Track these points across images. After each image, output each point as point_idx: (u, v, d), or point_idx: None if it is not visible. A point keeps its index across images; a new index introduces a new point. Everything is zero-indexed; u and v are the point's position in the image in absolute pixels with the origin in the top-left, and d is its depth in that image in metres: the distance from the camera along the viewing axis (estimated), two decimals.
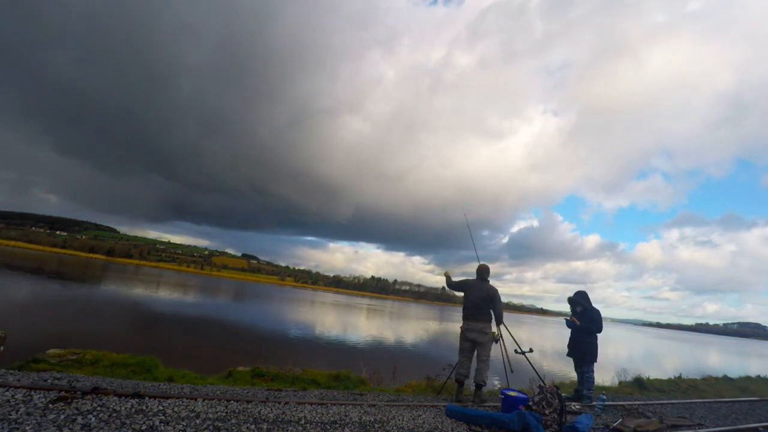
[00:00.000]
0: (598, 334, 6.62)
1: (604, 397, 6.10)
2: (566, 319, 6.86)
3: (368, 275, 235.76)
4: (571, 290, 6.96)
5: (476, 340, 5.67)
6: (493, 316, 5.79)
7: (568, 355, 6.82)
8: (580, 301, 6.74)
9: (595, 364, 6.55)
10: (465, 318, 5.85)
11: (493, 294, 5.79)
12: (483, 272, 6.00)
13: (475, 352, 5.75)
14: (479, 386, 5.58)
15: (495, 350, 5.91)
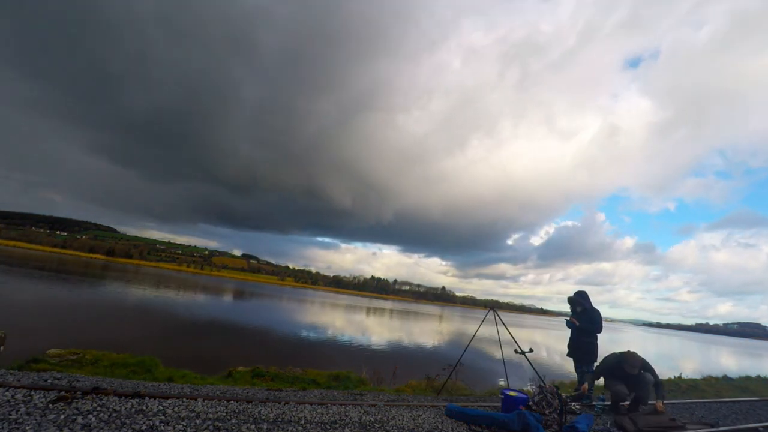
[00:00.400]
0: (598, 335, 6.61)
1: (603, 396, 6.10)
2: (566, 320, 6.86)
3: (376, 275, 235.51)
4: (588, 292, 6.93)
5: None
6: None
7: (568, 355, 6.82)
8: (580, 302, 6.73)
9: (595, 364, 6.55)
10: None
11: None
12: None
13: None
14: None
15: (496, 350, 5.88)
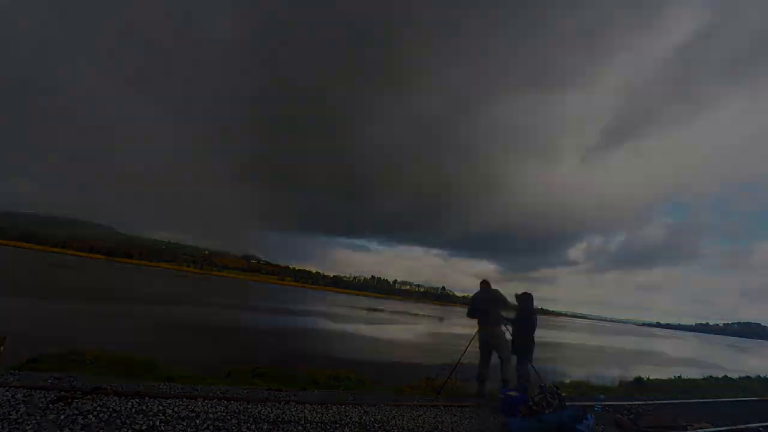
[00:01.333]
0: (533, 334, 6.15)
1: (602, 396, 6.09)
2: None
3: (398, 278, 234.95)
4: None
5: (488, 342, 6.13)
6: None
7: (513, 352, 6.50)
8: (524, 299, 6.42)
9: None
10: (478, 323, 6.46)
11: (497, 296, 6.30)
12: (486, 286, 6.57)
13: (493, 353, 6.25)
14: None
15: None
